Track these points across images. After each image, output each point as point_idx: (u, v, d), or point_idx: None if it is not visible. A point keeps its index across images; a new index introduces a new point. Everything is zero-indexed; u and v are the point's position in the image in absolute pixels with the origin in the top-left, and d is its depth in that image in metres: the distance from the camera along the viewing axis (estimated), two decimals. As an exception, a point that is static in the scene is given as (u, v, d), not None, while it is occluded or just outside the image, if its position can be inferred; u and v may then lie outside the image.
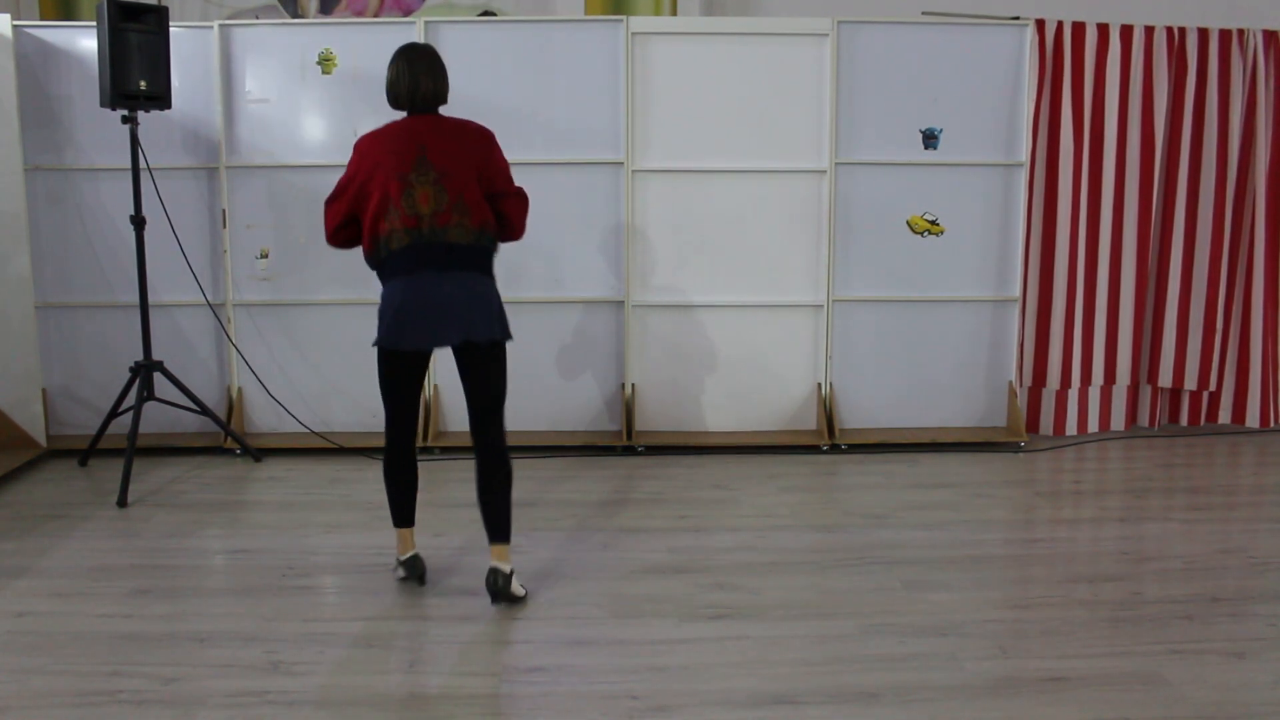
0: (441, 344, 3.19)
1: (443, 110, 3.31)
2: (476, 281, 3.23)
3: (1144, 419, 5.67)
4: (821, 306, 5.20)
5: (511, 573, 3.30)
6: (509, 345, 3.33)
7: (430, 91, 3.25)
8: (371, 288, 4.97)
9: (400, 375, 3.31)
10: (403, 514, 3.46)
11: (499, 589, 3.26)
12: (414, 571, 3.46)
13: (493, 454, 3.33)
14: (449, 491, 4.54)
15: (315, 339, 5.17)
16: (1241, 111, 5.32)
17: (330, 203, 3.31)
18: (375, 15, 6.59)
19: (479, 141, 3.27)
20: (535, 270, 5.12)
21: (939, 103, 5.09)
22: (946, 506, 4.34)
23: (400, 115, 3.31)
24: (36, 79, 4.98)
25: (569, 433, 5.24)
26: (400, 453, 3.41)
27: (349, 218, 3.29)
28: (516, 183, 3.37)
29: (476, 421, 3.34)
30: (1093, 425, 5.54)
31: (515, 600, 3.32)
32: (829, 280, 5.16)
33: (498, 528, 3.32)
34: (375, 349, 3.29)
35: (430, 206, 3.16)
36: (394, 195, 3.16)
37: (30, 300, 5.00)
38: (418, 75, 3.22)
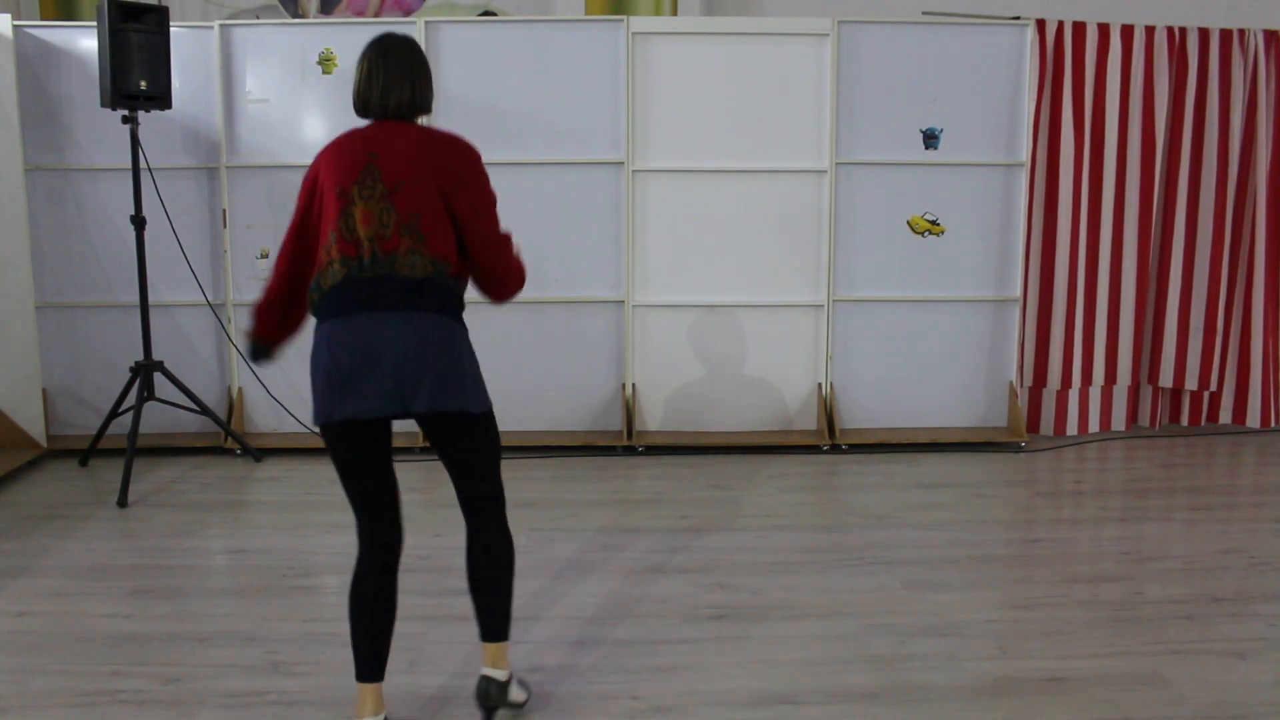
0: (382, 411, 2.33)
1: (426, 120, 2.58)
2: (437, 325, 2.37)
3: (1145, 419, 5.67)
4: (821, 306, 5.19)
5: (509, 679, 2.60)
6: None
7: (406, 100, 2.49)
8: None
9: (355, 453, 2.42)
10: (372, 660, 2.49)
11: (494, 701, 2.56)
12: None
13: (488, 530, 2.56)
14: (450, 492, 4.52)
15: (315, 339, 5.16)
16: (1242, 112, 5.31)
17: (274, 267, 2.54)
18: (375, 15, 6.58)
19: (455, 158, 2.44)
20: (535, 270, 5.10)
21: (939, 103, 5.09)
22: (947, 506, 4.34)
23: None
24: (37, 79, 4.98)
25: (569, 433, 5.24)
26: (377, 567, 2.48)
27: (292, 276, 2.51)
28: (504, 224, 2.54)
29: (465, 497, 2.56)
30: (1093, 425, 5.54)
31: (517, 707, 2.65)
32: (829, 280, 5.16)
33: (494, 622, 2.58)
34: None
35: (372, 228, 2.35)
36: (329, 215, 2.40)
37: (30, 300, 5.00)
38: (390, 78, 2.48)
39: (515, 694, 2.64)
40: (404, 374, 2.32)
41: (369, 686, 2.49)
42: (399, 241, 2.35)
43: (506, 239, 2.54)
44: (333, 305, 2.36)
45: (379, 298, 2.34)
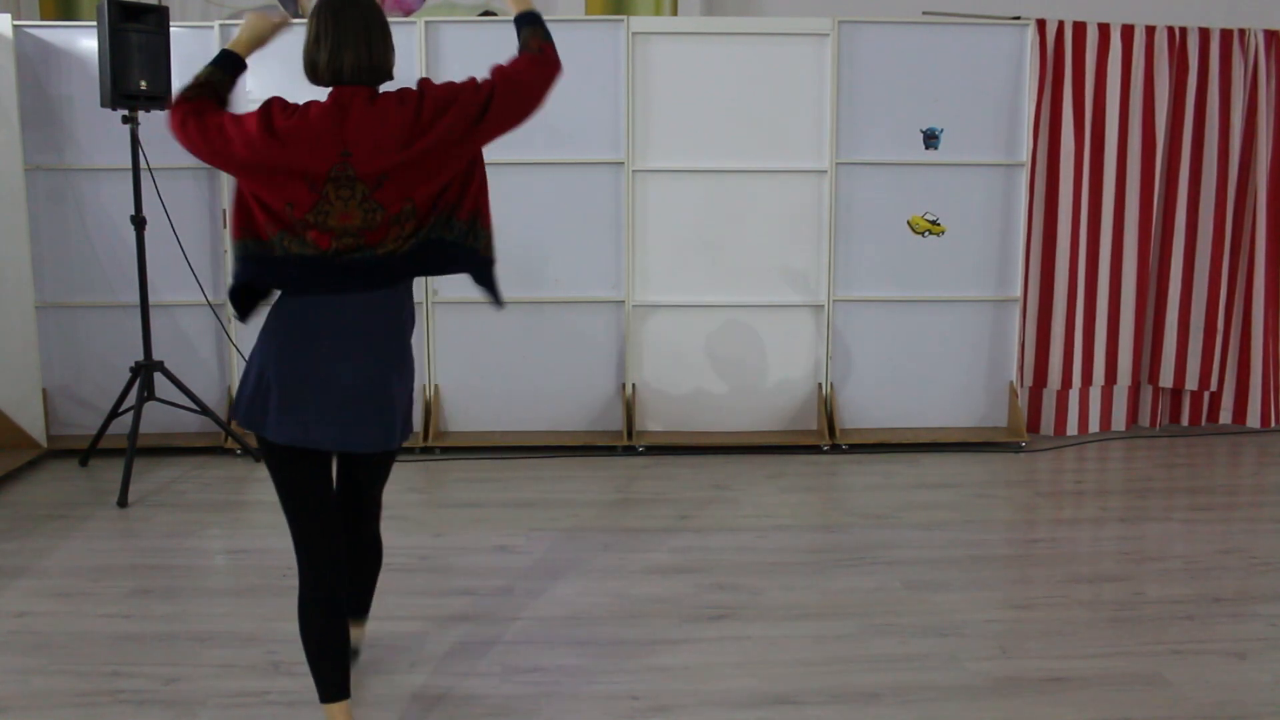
0: (339, 447, 2.33)
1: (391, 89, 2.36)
2: (400, 327, 2.38)
3: (1145, 419, 5.67)
4: (821, 306, 5.19)
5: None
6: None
7: (364, 63, 2.30)
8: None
9: (303, 472, 2.34)
10: (337, 680, 2.43)
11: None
12: None
13: (370, 545, 2.71)
14: (450, 492, 4.54)
15: (315, 339, 5.16)
16: (1242, 111, 5.31)
17: (207, 120, 2.32)
18: (376, 15, 6.58)
19: (416, 122, 2.26)
20: (536, 270, 5.12)
21: (940, 103, 5.09)
22: (947, 506, 4.34)
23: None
24: (37, 79, 4.97)
25: (569, 433, 5.24)
26: (326, 591, 2.40)
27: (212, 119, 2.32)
28: (485, 77, 2.35)
29: (354, 515, 2.59)
30: (1094, 425, 5.54)
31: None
32: (829, 280, 5.16)
33: (361, 604, 2.80)
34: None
35: (354, 222, 2.25)
36: (299, 204, 2.24)
37: (30, 300, 5.00)
38: (342, 38, 2.30)
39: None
40: (373, 410, 2.32)
41: (337, 706, 2.42)
42: (387, 231, 2.27)
43: (501, 76, 2.34)
44: (300, 281, 2.27)
45: (360, 276, 2.27)
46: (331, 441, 2.29)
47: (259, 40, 2.56)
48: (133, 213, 4.69)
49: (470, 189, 2.36)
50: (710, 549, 3.84)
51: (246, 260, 2.29)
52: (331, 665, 2.40)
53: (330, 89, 2.33)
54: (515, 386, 5.19)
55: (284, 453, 2.31)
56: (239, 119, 2.30)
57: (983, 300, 5.25)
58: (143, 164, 4.68)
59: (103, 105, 4.49)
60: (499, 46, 5.29)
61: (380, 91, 2.32)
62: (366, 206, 2.24)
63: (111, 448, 4.84)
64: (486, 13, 5.99)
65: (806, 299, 5.20)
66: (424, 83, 2.33)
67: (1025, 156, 5.14)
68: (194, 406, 4.89)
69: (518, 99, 2.33)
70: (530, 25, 2.43)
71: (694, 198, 5.11)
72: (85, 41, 4.92)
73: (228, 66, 2.47)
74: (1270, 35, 5.29)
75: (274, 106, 2.32)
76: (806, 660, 2.97)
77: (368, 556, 2.74)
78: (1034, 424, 5.53)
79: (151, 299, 4.86)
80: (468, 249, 2.36)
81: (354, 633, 2.71)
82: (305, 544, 2.40)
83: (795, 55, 5.04)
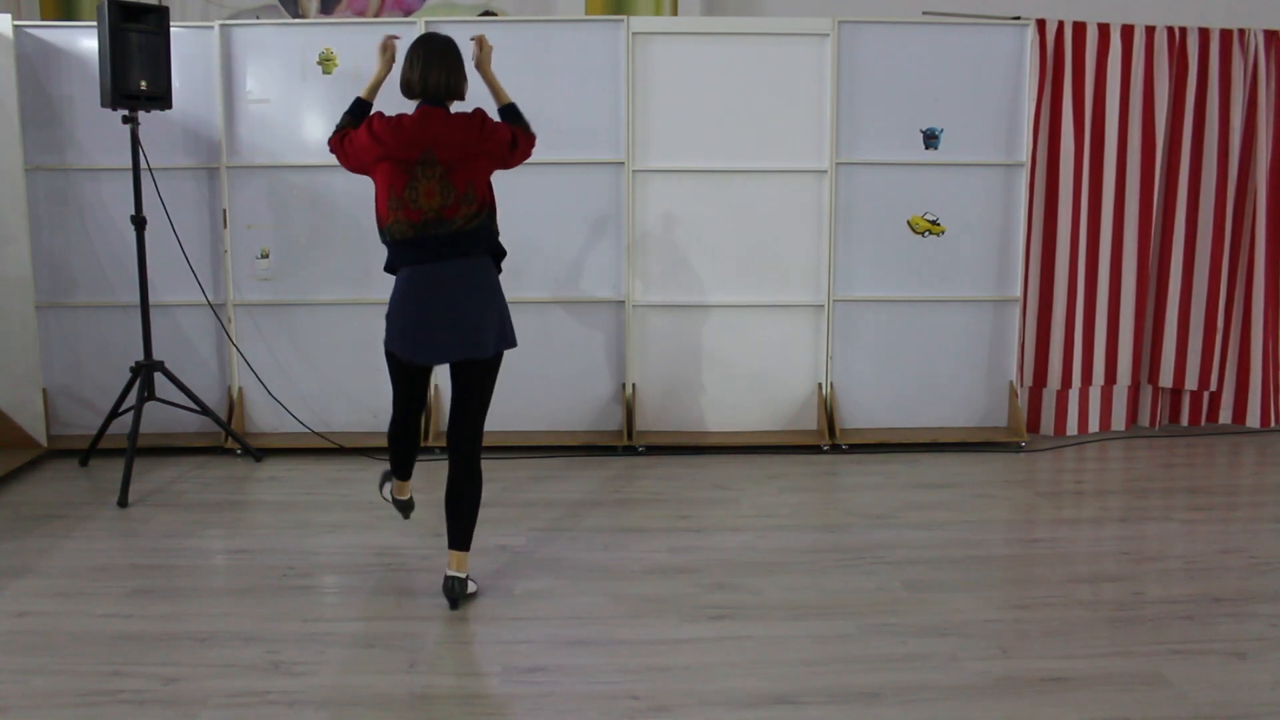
0: (448, 360, 3.24)
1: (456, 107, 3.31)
2: (484, 278, 3.25)
3: (1145, 419, 5.67)
4: (822, 306, 5.19)
5: (467, 578, 3.35)
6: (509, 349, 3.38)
7: (441, 84, 3.24)
8: (372, 287, 4.99)
9: (407, 374, 3.40)
10: (403, 469, 3.69)
11: (456, 594, 3.31)
12: (405, 510, 3.83)
13: (465, 465, 3.31)
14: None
15: (316, 339, 5.17)
16: (1242, 111, 5.31)
17: (346, 139, 3.39)
18: (376, 15, 6.59)
19: (486, 132, 3.26)
20: (535, 270, 5.12)
21: (940, 103, 5.09)
22: (947, 506, 4.34)
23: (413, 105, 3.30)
24: (37, 79, 4.98)
25: (569, 433, 5.24)
26: (405, 427, 3.54)
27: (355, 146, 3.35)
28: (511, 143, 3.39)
29: (456, 428, 3.31)
30: (1093, 425, 5.54)
31: (470, 597, 3.39)
32: (830, 280, 5.16)
33: (459, 536, 3.32)
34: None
35: (435, 201, 3.16)
36: (398, 186, 3.19)
37: (30, 300, 5.00)
38: (430, 66, 3.24)
39: (470, 588, 3.39)
40: (466, 329, 3.19)
41: (403, 482, 3.72)
42: (458, 209, 3.18)
43: (521, 134, 3.43)
44: (405, 256, 3.22)
45: (441, 249, 3.18)
46: (449, 354, 3.21)
47: (379, 82, 3.51)
48: (133, 213, 4.69)
49: (490, 190, 3.32)
50: (710, 549, 3.84)
51: (389, 245, 3.26)
52: (395, 460, 3.63)
53: (418, 105, 3.26)
54: (515, 386, 5.18)
55: (405, 366, 3.33)
56: (358, 131, 3.34)
57: (983, 300, 5.25)
58: (143, 164, 4.68)
59: (103, 105, 4.49)
60: (498, 46, 5.29)
61: (453, 111, 3.29)
62: (443, 185, 3.17)
63: (111, 448, 4.84)
64: (486, 12, 5.99)
65: (806, 299, 5.20)
66: (480, 111, 3.31)
67: (1025, 156, 5.14)
68: (194, 406, 4.90)
69: (516, 154, 3.43)
70: (513, 122, 3.45)
71: (694, 198, 5.11)
72: (85, 41, 4.92)
73: (358, 113, 3.45)
74: (1270, 35, 5.29)
75: (374, 119, 3.28)
76: (806, 660, 2.97)
77: (465, 491, 3.31)
78: (1034, 424, 5.53)
79: (151, 299, 4.86)
80: (491, 231, 3.29)
81: (453, 561, 3.33)
82: (395, 406, 3.46)
83: (795, 55, 5.04)
